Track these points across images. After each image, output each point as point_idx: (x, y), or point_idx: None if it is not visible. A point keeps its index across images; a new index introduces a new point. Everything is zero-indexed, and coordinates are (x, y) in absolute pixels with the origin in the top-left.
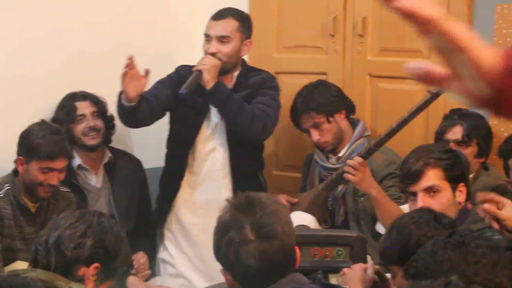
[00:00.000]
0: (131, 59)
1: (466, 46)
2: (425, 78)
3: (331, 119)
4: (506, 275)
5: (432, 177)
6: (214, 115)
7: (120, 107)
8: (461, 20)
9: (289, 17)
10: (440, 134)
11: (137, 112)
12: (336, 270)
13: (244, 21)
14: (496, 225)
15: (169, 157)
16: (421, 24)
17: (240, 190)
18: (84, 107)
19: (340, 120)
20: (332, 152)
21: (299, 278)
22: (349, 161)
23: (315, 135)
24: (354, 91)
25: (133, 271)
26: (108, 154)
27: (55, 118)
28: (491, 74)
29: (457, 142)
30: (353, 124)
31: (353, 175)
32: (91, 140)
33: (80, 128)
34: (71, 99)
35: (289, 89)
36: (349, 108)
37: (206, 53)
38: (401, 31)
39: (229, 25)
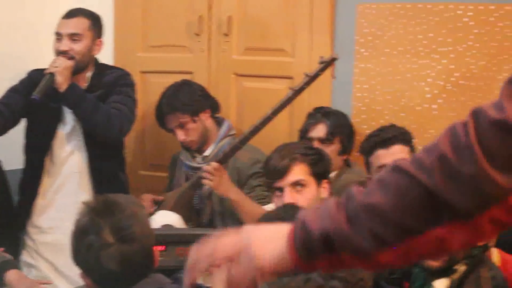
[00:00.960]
0: None
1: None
2: None
3: (196, 118)
4: (367, 271)
5: (299, 172)
6: (69, 117)
7: None
8: (324, 20)
9: (154, 16)
10: (304, 132)
11: None
12: None
13: (95, 20)
14: None
15: (26, 162)
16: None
17: (100, 191)
18: None
19: (206, 119)
20: (198, 151)
21: (160, 278)
22: (205, 167)
23: (180, 135)
24: (220, 90)
25: None
26: None
27: None
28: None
29: (320, 140)
30: (219, 123)
31: (210, 180)
32: None
33: None
34: None
35: (155, 88)
36: (214, 107)
37: (57, 51)
38: (266, 30)
39: (80, 23)
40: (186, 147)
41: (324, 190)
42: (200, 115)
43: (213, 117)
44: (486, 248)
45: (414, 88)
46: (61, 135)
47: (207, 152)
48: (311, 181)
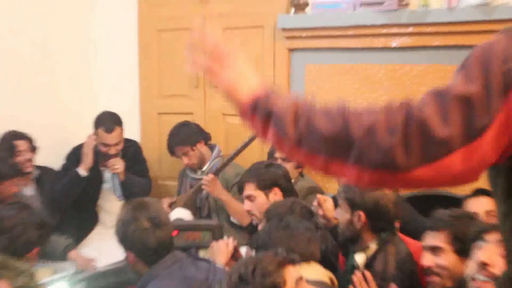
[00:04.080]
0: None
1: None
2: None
3: (194, 148)
4: (316, 247)
5: (248, 189)
6: (107, 177)
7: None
8: (282, 77)
9: (166, 73)
10: (271, 153)
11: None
12: (204, 247)
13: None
14: (320, 211)
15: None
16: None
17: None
18: None
19: (201, 147)
20: (199, 168)
21: (179, 254)
22: (204, 177)
23: (184, 160)
24: (212, 125)
25: None
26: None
27: None
28: (241, 105)
29: (282, 158)
30: (211, 148)
31: (208, 186)
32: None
33: None
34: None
35: (167, 124)
36: (206, 138)
37: (107, 155)
38: None
39: (119, 133)
40: (189, 168)
41: (275, 195)
42: (197, 145)
43: (206, 144)
44: (392, 232)
45: None
46: (106, 191)
47: (204, 168)
48: (259, 194)
